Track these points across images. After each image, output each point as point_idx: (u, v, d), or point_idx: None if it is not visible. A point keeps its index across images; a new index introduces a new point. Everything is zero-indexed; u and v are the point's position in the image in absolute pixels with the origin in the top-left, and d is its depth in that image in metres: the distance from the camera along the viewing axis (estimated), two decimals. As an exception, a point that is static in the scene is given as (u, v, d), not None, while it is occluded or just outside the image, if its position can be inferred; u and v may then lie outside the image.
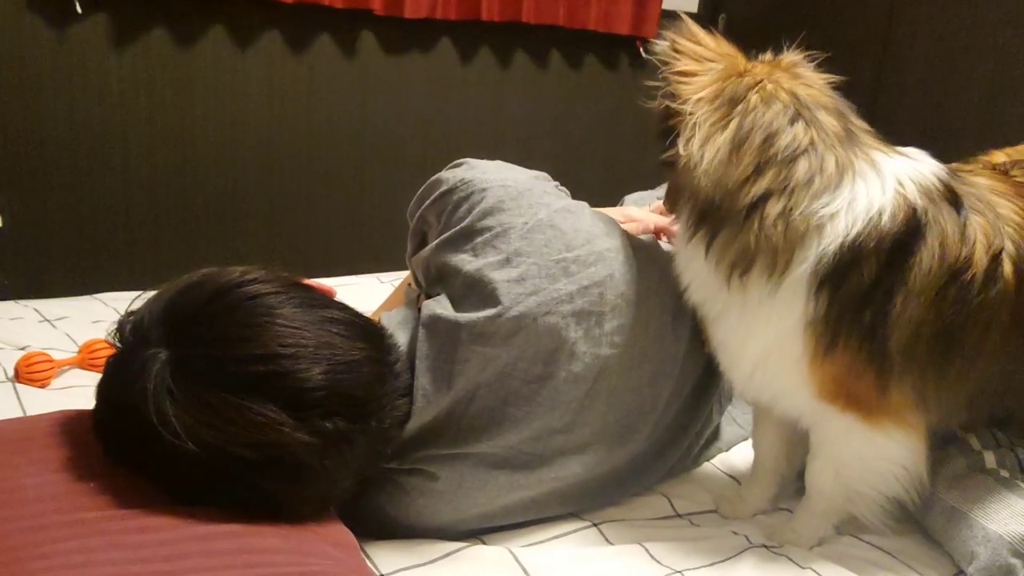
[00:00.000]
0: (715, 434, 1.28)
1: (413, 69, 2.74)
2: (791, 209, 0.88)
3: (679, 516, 1.12)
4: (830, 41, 2.76)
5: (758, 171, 0.89)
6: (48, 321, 1.47)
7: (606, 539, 1.04)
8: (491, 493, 1.01)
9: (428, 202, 1.10)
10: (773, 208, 0.89)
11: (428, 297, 1.06)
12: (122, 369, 0.84)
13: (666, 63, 0.97)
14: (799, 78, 0.95)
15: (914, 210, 0.89)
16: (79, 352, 1.32)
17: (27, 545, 0.70)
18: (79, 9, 2.23)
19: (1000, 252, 0.92)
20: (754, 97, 0.92)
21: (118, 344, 0.87)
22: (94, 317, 1.51)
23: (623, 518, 1.09)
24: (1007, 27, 2.30)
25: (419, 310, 1.03)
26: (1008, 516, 0.97)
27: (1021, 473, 1.07)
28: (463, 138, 2.90)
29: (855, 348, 0.91)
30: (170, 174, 2.47)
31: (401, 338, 1.01)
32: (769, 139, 0.90)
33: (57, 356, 1.29)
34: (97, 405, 0.86)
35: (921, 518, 1.09)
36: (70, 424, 0.89)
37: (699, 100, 0.93)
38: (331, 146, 2.69)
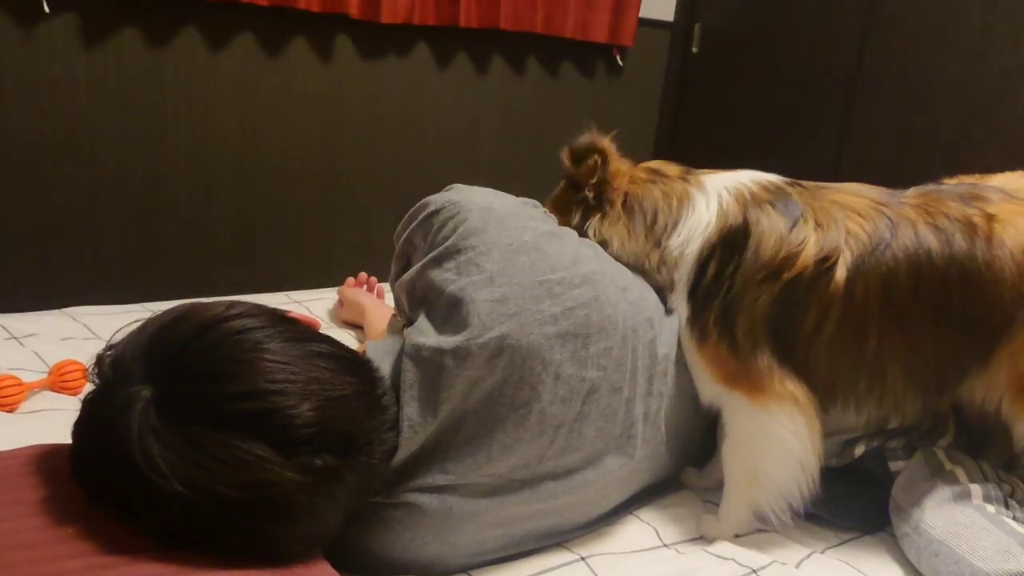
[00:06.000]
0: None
1: (389, 74, 2.71)
2: (664, 252, 1.15)
3: (665, 546, 1.12)
4: (804, 49, 2.79)
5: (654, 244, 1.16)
6: (15, 338, 1.42)
7: (595, 574, 1.03)
8: (481, 523, 0.99)
9: (415, 223, 1.09)
10: (656, 257, 1.16)
11: (410, 323, 1.04)
12: (103, 407, 0.81)
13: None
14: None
15: (727, 215, 1.11)
16: (49, 374, 1.28)
17: (5, 600, 0.67)
18: (47, 8, 2.16)
19: (829, 258, 1.07)
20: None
21: (96, 380, 0.84)
22: (63, 334, 1.47)
23: (610, 551, 1.08)
24: (983, 25, 2.32)
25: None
26: (994, 552, 0.98)
27: (1007, 508, 1.08)
28: (439, 144, 2.88)
29: (716, 335, 1.10)
30: (139, 179, 2.41)
31: (385, 369, 0.99)
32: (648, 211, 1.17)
33: (26, 377, 1.25)
34: (75, 445, 0.83)
35: (907, 551, 1.10)
36: (45, 461, 0.86)
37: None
38: (305, 150, 2.65)
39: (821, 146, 2.75)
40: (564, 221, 1.20)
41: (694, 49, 3.19)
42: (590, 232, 1.18)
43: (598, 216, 1.19)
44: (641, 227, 1.16)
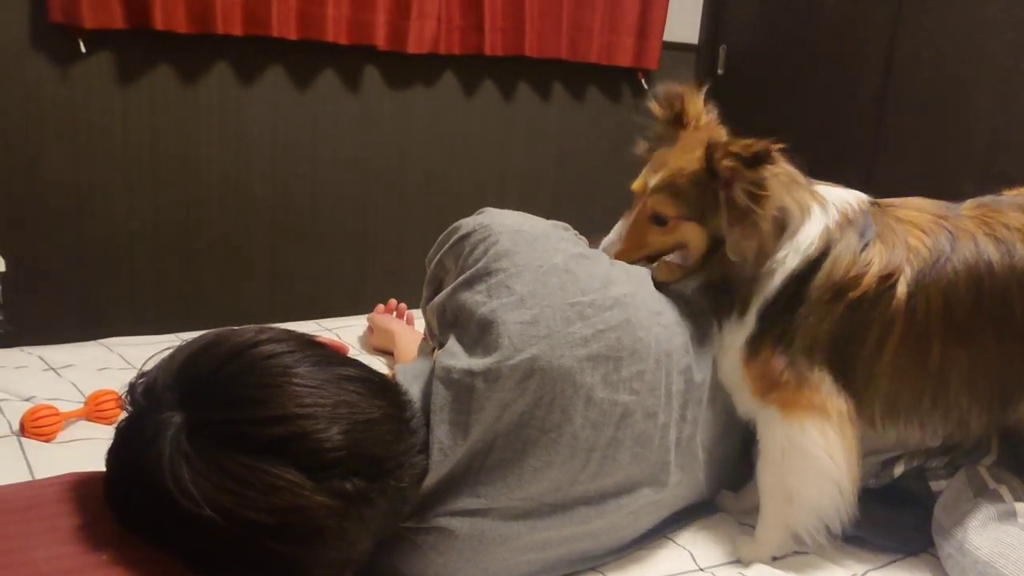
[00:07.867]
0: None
1: (417, 103, 2.74)
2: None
3: (701, 570, 1.10)
4: (830, 68, 2.78)
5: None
6: (53, 370, 1.45)
7: (630, 598, 1.02)
8: (513, 547, 0.98)
9: (447, 247, 1.10)
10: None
11: (441, 346, 1.04)
12: (135, 433, 0.82)
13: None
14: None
15: (830, 233, 1.08)
16: (85, 404, 1.29)
17: (39, 626, 0.68)
18: (83, 48, 2.23)
19: (892, 275, 1.05)
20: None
21: (129, 407, 0.85)
22: (100, 364, 1.49)
23: (645, 575, 1.06)
24: (1013, 42, 2.29)
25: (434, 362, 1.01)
26: (1044, 572, 0.94)
27: (1054, 527, 1.04)
28: (467, 171, 2.90)
29: (770, 351, 1.08)
30: (173, 212, 2.46)
31: (414, 392, 0.99)
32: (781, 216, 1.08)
33: (63, 407, 1.27)
34: (108, 471, 0.84)
35: (951, 573, 1.07)
36: (79, 489, 0.87)
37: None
38: (335, 181, 2.68)
39: (850, 165, 2.72)
40: (683, 210, 1.11)
41: (719, 71, 3.19)
42: (731, 247, 1.06)
43: (741, 228, 1.05)
44: (772, 244, 1.07)
